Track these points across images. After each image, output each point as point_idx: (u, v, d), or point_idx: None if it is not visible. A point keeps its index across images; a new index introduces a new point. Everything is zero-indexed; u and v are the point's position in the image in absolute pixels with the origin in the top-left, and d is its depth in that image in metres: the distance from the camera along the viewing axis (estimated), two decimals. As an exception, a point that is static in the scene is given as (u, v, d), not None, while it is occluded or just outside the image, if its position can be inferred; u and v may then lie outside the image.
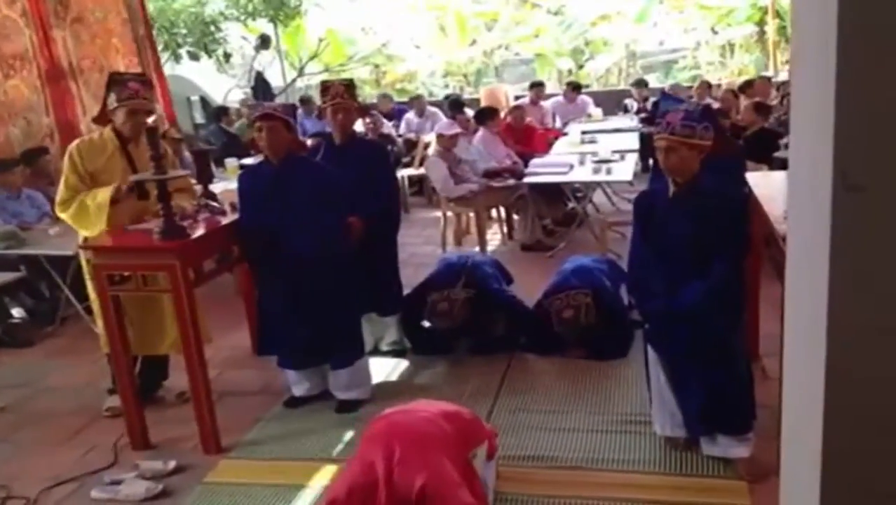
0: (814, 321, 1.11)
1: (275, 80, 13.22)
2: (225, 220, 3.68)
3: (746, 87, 8.87)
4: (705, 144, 2.94)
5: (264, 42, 12.50)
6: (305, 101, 10.27)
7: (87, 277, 3.77)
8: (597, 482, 3.06)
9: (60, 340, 5.18)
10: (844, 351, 1.07)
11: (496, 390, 3.91)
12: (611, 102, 10.90)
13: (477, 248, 6.31)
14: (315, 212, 3.60)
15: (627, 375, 3.90)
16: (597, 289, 4.23)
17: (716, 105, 7.04)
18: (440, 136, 6.63)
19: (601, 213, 7.19)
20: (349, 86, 4.22)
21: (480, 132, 7.30)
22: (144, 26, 7.55)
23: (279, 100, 11.47)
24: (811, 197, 1.12)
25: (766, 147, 5.62)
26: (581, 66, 16.66)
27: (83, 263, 3.81)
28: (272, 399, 3.99)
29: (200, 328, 3.47)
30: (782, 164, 4.39)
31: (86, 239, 3.68)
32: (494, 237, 7.05)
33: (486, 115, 7.50)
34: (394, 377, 4.22)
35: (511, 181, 6.68)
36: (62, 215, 3.69)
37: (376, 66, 16.59)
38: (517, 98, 10.90)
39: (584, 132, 8.46)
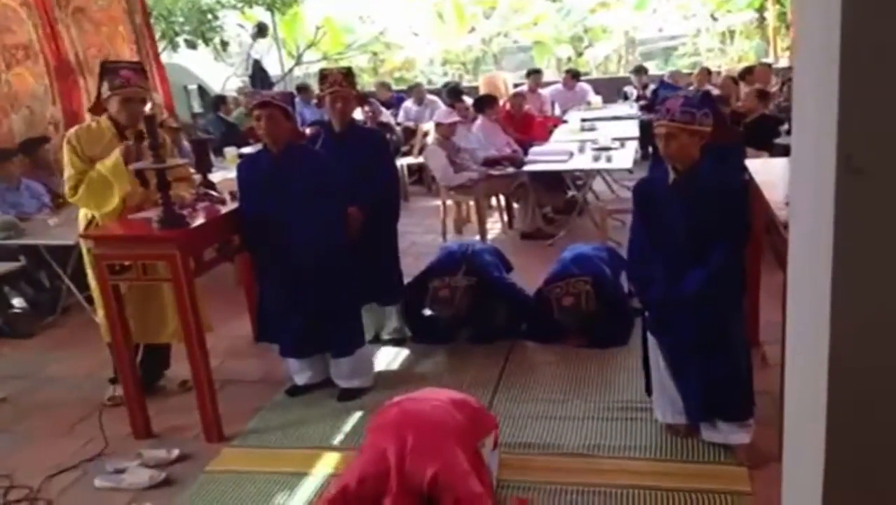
0: (816, 309, 1.10)
1: (272, 68, 13.17)
2: (224, 210, 3.68)
3: (746, 73, 8.84)
4: (705, 131, 2.93)
5: (261, 30, 12.44)
6: (303, 89, 10.18)
7: (87, 266, 3.77)
8: (598, 469, 3.07)
9: (61, 331, 5.18)
10: (848, 339, 1.07)
11: (497, 378, 3.92)
12: (610, 90, 10.87)
13: (477, 237, 6.31)
14: (314, 201, 3.59)
15: (628, 363, 3.90)
16: (597, 276, 4.23)
17: (716, 92, 7.01)
18: (438, 125, 6.62)
19: (601, 201, 7.18)
20: (347, 74, 4.21)
21: (479, 120, 7.28)
22: (142, 15, 7.51)
23: (277, 88, 11.42)
24: (814, 181, 1.12)
25: (767, 134, 5.61)
26: (580, 54, 16.61)
27: (84, 252, 3.81)
28: (274, 388, 3.99)
29: (201, 317, 3.47)
30: (783, 151, 4.38)
31: (88, 226, 3.68)
32: (494, 226, 7.04)
33: (485, 102, 7.48)
34: (395, 366, 4.23)
35: (511, 169, 6.67)
36: (74, 200, 3.68)
37: (374, 54, 16.52)
38: (516, 86, 10.86)
39: (583, 120, 8.45)
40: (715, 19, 15.50)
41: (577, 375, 3.89)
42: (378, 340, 4.44)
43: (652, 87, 9.67)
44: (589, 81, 11.30)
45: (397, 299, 4.44)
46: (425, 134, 8.47)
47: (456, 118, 6.66)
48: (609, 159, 6.41)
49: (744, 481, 2.90)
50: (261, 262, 3.87)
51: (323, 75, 4.25)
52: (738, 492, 2.84)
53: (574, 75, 10.71)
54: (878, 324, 1.06)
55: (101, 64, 3.82)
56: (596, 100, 10.19)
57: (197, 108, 11.15)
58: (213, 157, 5.83)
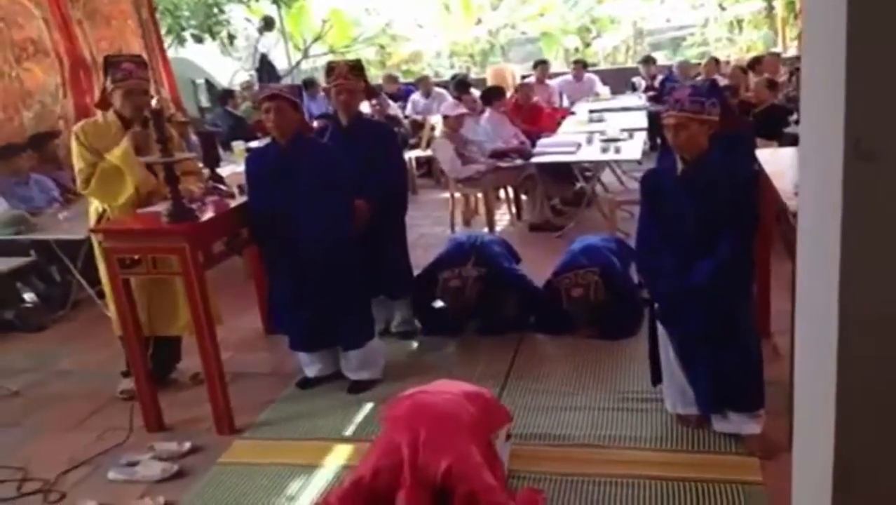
0: (825, 298, 1.10)
1: (279, 62, 13.15)
2: (233, 203, 3.70)
3: (755, 63, 8.78)
4: (714, 120, 2.92)
5: (268, 24, 12.42)
6: (309, 84, 10.19)
7: (98, 260, 3.79)
8: (609, 459, 3.08)
9: (72, 325, 5.21)
10: (857, 328, 1.06)
11: (507, 370, 3.93)
12: (618, 81, 10.80)
13: (486, 229, 6.31)
14: (322, 194, 3.60)
15: (638, 353, 3.89)
16: (605, 267, 4.23)
17: (724, 82, 6.97)
18: (445, 118, 6.61)
19: (610, 192, 7.15)
20: (354, 66, 4.20)
21: (487, 112, 7.26)
22: (148, 9, 7.53)
23: (284, 82, 11.42)
24: (822, 166, 1.11)
25: (776, 123, 5.58)
26: (588, 45, 16.52)
27: (95, 246, 3.83)
28: (284, 380, 4.01)
29: (212, 310, 3.49)
30: (792, 141, 4.35)
31: (98, 221, 3.71)
32: (503, 217, 7.04)
33: (493, 94, 7.44)
34: (405, 358, 4.24)
35: (519, 161, 6.66)
36: (87, 192, 3.71)
37: (381, 46, 16.48)
38: (524, 78, 10.83)
39: (591, 111, 8.41)
40: (723, 9, 15.37)
41: (587, 366, 3.89)
42: (388, 333, 4.44)
43: (660, 77, 9.62)
44: (597, 72, 11.24)
45: (406, 292, 4.44)
46: (433, 126, 8.46)
47: (462, 110, 6.65)
48: (617, 150, 6.39)
49: (755, 471, 2.90)
50: (269, 255, 3.88)
51: (330, 68, 4.25)
52: (749, 482, 2.84)
53: (582, 66, 10.67)
54: (888, 312, 1.05)
55: (105, 58, 3.83)
56: (604, 91, 10.14)
57: (204, 102, 11.14)
58: (220, 151, 5.83)
